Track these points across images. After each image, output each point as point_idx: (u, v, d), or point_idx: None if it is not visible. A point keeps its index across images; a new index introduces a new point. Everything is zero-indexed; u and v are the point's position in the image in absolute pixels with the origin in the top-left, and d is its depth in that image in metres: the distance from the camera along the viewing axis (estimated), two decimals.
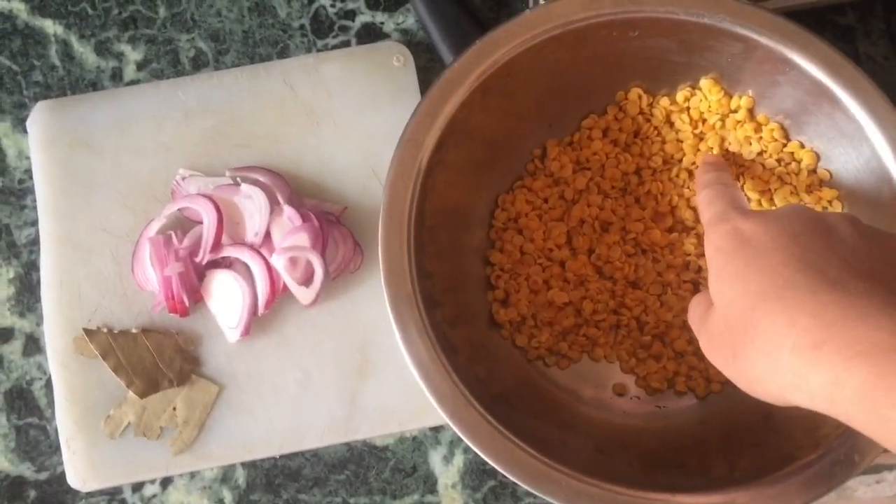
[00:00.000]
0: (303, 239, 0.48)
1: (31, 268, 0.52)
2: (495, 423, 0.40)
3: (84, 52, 0.56)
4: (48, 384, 0.50)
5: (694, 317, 0.40)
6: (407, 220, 0.43)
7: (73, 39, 0.56)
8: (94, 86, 0.55)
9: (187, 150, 0.52)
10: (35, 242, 0.52)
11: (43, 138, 0.52)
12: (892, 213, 0.44)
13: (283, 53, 0.56)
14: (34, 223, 0.52)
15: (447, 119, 0.44)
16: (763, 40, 0.45)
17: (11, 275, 0.52)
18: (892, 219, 0.44)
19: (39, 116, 0.53)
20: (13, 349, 0.51)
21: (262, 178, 0.51)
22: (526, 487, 0.39)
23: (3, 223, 0.52)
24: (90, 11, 0.56)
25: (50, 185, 0.52)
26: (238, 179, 0.51)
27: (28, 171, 0.53)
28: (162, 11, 0.56)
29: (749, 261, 0.35)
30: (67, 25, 0.56)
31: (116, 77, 0.55)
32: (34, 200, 0.52)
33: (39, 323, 0.51)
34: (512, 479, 0.39)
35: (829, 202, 0.47)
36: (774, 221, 0.36)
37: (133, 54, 0.56)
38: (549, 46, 0.46)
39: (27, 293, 0.51)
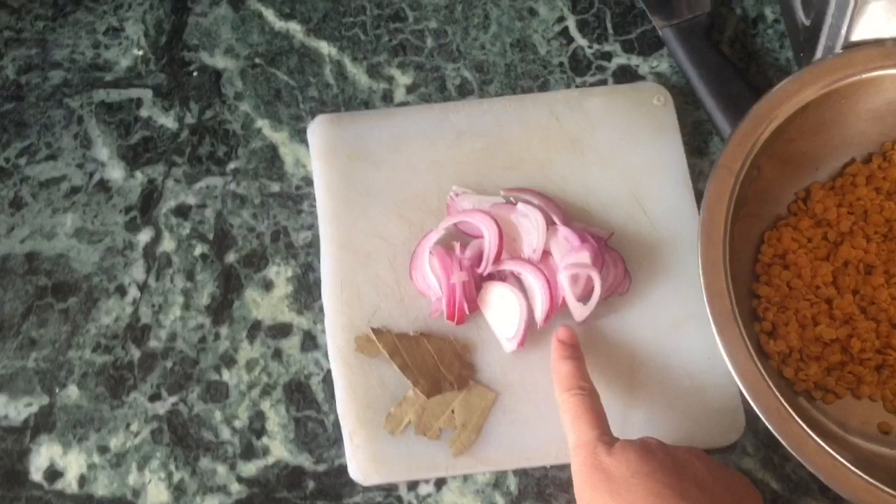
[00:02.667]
0: (585, 257, 0.51)
1: (308, 269, 0.54)
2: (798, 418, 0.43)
3: (356, 73, 0.59)
4: (325, 379, 0.52)
5: None
6: (723, 240, 0.45)
7: (347, 61, 0.60)
8: (366, 104, 0.59)
9: (458, 168, 0.55)
10: (311, 245, 0.55)
11: (323, 149, 0.56)
12: None
13: (543, 87, 0.59)
14: (310, 227, 0.55)
15: (757, 149, 0.47)
16: None
17: (290, 274, 0.54)
18: None
19: (320, 128, 0.56)
20: (292, 344, 0.53)
21: (534, 200, 0.53)
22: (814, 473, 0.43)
23: (282, 225, 0.55)
24: (362, 37, 0.60)
25: (330, 192, 0.55)
26: (512, 199, 0.54)
27: (304, 179, 0.56)
28: (429, 42, 0.60)
29: (612, 494, 0.41)
30: (341, 48, 0.60)
31: (387, 98, 0.59)
32: (310, 205, 0.55)
33: (316, 321, 0.53)
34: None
35: None
36: (633, 458, 0.41)
37: (402, 78, 0.59)
38: (842, 93, 0.49)
39: (304, 292, 0.54)
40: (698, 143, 0.57)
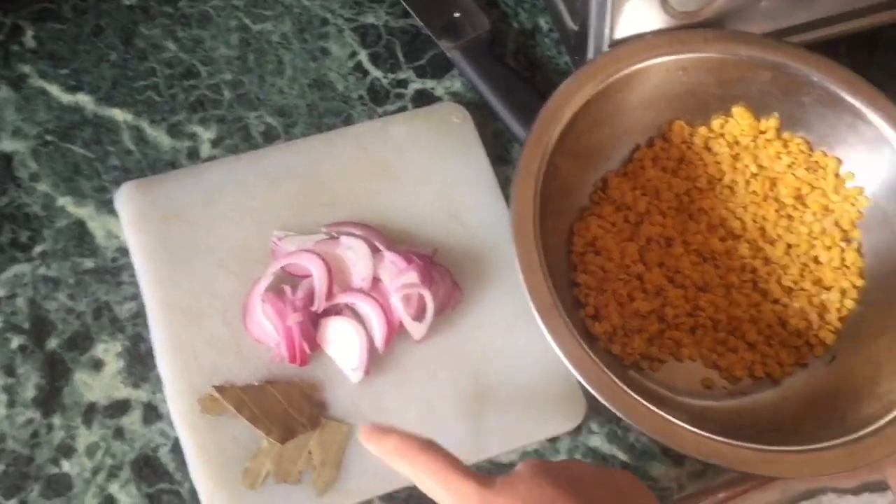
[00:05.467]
0: (413, 277, 0.52)
1: (138, 340, 0.53)
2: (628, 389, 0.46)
3: (157, 135, 0.59)
4: (174, 448, 0.50)
5: None
6: (535, 238, 0.48)
7: (145, 125, 0.59)
8: (173, 164, 0.58)
9: (277, 213, 0.56)
10: (137, 315, 0.53)
11: (134, 216, 0.54)
12: None
13: (348, 122, 0.61)
14: (133, 297, 0.54)
15: (550, 148, 0.51)
16: (791, 66, 0.54)
17: (119, 349, 0.52)
18: None
19: (127, 196, 0.55)
20: (132, 420, 0.51)
21: (356, 231, 0.55)
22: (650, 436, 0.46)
23: (103, 301, 0.53)
24: (157, 98, 0.60)
25: (149, 258, 0.53)
26: (334, 234, 0.55)
27: (119, 250, 0.55)
28: (227, 94, 0.60)
29: None
30: (136, 113, 0.59)
31: (193, 155, 0.58)
32: (130, 276, 0.54)
33: (155, 391, 0.51)
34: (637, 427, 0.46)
35: (856, 197, 0.56)
36: (523, 489, 0.39)
37: (206, 133, 0.59)
38: (615, 87, 0.53)
39: (137, 364, 0.52)
40: (500, 151, 0.61)
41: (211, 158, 0.58)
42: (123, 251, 0.55)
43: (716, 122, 0.58)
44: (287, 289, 0.52)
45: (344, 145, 0.58)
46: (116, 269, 0.54)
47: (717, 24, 0.56)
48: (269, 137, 0.60)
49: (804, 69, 0.54)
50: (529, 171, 0.50)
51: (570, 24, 0.58)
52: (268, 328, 0.52)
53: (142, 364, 0.52)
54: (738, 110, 0.57)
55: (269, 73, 0.61)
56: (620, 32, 0.54)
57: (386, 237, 0.55)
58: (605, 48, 0.54)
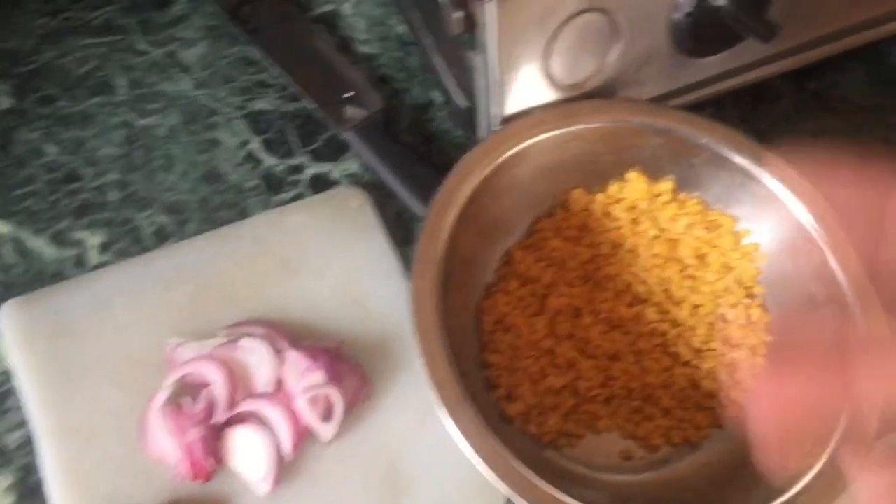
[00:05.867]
0: (318, 377, 0.50)
1: (28, 471, 0.50)
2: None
3: (40, 245, 0.56)
4: None
5: None
6: (437, 323, 0.47)
7: (26, 235, 0.56)
8: (60, 275, 0.55)
9: (173, 318, 0.53)
10: (27, 444, 0.50)
11: (20, 336, 0.52)
12: (807, 256, 0.53)
13: (244, 214, 0.59)
14: (21, 425, 0.51)
15: (449, 228, 0.50)
16: (679, 130, 0.54)
17: (7, 483, 0.49)
18: (808, 260, 0.53)
19: (10, 316, 0.52)
20: None
21: (258, 331, 0.53)
22: None
23: None
24: (38, 206, 0.57)
25: (36, 380, 0.51)
26: (234, 336, 0.52)
27: (4, 373, 0.52)
28: (114, 195, 0.58)
29: None
30: (17, 223, 0.56)
31: (80, 264, 0.56)
32: (16, 402, 0.51)
33: None
34: None
35: (753, 254, 0.56)
36: None
37: (93, 239, 0.57)
38: (511, 161, 0.53)
39: (29, 498, 0.49)
40: (403, 232, 0.60)
41: (100, 265, 0.56)
42: (9, 375, 0.52)
43: (613, 188, 0.58)
44: (187, 400, 0.50)
45: (240, 240, 0.56)
46: (2, 396, 0.51)
47: (606, 92, 0.56)
48: (162, 237, 0.57)
49: (691, 132, 0.54)
50: (428, 255, 0.49)
51: (460, 102, 0.58)
52: (167, 446, 0.49)
53: (33, 498, 0.49)
54: (633, 174, 0.57)
55: (157, 169, 0.59)
56: (510, 108, 0.54)
57: (289, 333, 0.53)
58: (497, 125, 0.54)
